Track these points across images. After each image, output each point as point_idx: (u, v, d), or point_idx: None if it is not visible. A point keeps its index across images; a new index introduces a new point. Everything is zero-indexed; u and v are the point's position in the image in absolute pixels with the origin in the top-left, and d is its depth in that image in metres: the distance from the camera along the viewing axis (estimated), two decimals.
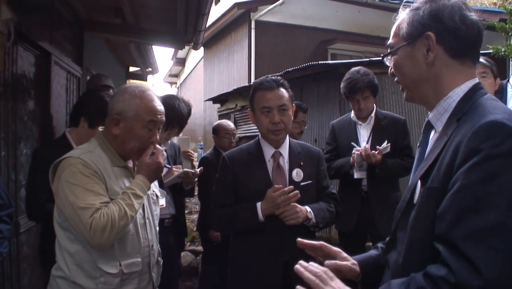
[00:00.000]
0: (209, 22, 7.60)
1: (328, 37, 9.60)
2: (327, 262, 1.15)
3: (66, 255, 1.48)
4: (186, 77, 18.70)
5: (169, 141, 2.61)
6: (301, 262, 1.04)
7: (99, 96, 2.30)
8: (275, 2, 9.07)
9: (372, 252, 1.24)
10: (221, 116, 8.46)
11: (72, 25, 3.84)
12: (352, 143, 2.71)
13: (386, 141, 2.59)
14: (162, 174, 2.34)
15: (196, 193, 3.53)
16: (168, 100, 2.42)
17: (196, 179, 2.70)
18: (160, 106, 1.62)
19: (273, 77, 1.97)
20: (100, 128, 1.75)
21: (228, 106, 8.18)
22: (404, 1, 1.15)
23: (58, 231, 1.51)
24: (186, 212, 5.08)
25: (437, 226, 0.86)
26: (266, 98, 1.88)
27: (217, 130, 3.67)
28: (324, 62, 5.37)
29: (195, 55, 14.96)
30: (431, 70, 1.01)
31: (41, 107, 2.97)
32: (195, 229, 5.29)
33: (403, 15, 1.07)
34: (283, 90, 1.91)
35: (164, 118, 1.64)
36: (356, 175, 2.65)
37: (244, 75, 9.68)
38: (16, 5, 2.31)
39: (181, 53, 16.40)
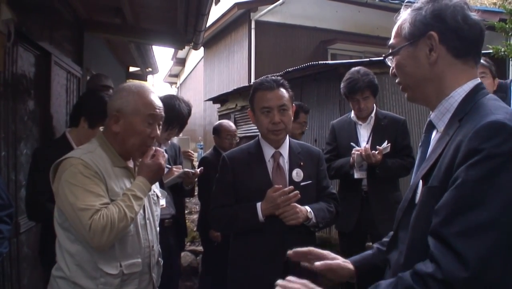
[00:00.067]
0: (209, 22, 7.59)
1: (328, 37, 9.60)
2: (317, 263, 1.15)
3: (66, 255, 1.48)
4: (186, 77, 18.70)
5: (169, 141, 2.61)
6: (279, 281, 1.03)
7: (99, 96, 2.30)
8: (275, 2, 9.08)
9: (368, 252, 1.25)
10: (221, 117, 8.46)
11: (72, 25, 3.84)
12: (351, 143, 2.71)
13: (386, 142, 2.59)
14: None
15: (196, 193, 3.52)
16: (168, 100, 2.41)
17: (196, 179, 2.70)
18: (158, 101, 1.62)
19: (273, 77, 1.97)
20: (101, 129, 1.76)
21: (228, 107, 8.18)
22: (405, 1, 1.15)
23: (59, 231, 1.51)
24: (186, 212, 5.08)
25: (432, 222, 0.87)
26: (266, 98, 1.88)
27: (219, 131, 3.64)
28: (324, 62, 5.36)
29: (195, 55, 14.96)
30: (433, 70, 1.01)
31: (41, 107, 2.97)
32: (195, 229, 5.29)
33: (404, 15, 1.07)
34: (283, 90, 1.91)
35: (163, 113, 1.64)
36: (356, 175, 2.65)
37: (244, 75, 9.68)
38: (16, 5, 2.31)
39: (181, 53, 16.40)
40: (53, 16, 3.25)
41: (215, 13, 9.91)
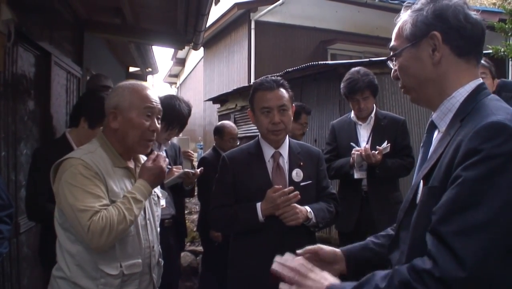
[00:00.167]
0: (209, 22, 7.60)
1: (328, 37, 9.59)
2: (298, 251, 1.17)
3: (66, 256, 1.48)
4: (186, 78, 18.70)
5: (169, 141, 2.61)
6: (277, 258, 1.06)
7: (99, 96, 2.29)
8: (275, 2, 9.08)
9: (359, 243, 1.26)
10: (221, 117, 8.46)
11: (72, 25, 3.84)
12: (351, 143, 2.71)
13: (386, 142, 2.59)
14: None
15: (196, 193, 3.52)
16: (168, 100, 2.42)
17: (196, 179, 2.70)
18: (154, 95, 1.63)
19: (273, 78, 1.97)
20: (101, 129, 1.76)
21: (228, 107, 8.18)
22: (405, 2, 1.15)
23: (59, 231, 1.51)
24: (186, 212, 5.08)
25: (432, 220, 0.87)
26: (266, 98, 1.88)
27: (222, 133, 3.59)
28: (324, 62, 5.37)
29: (195, 56, 14.95)
30: (437, 70, 1.01)
31: (41, 107, 2.97)
32: (195, 229, 5.29)
33: (404, 17, 1.06)
34: (283, 90, 1.91)
35: (160, 106, 1.65)
36: (356, 175, 2.65)
37: (244, 75, 9.67)
38: (16, 5, 2.31)
39: (181, 54, 16.39)
40: (53, 16, 3.25)
41: (215, 13, 9.91)
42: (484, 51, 1.15)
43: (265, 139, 1.96)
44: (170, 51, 21.46)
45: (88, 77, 3.95)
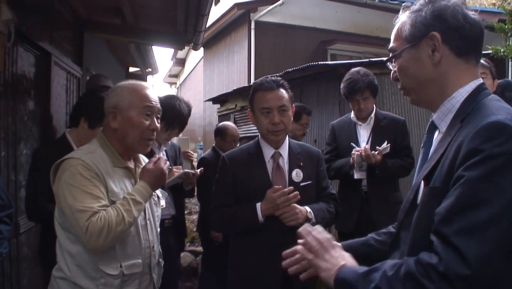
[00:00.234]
0: (209, 23, 7.59)
1: (328, 37, 9.60)
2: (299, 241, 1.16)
3: (66, 256, 1.48)
4: (186, 78, 18.70)
5: (169, 142, 2.61)
6: (306, 224, 1.10)
7: (99, 96, 2.29)
8: (275, 2, 9.08)
9: (360, 238, 1.30)
10: (220, 117, 8.46)
11: (72, 25, 3.84)
12: (351, 144, 2.71)
13: (386, 142, 2.59)
14: None
15: (195, 194, 3.52)
16: (168, 101, 2.42)
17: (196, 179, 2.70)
18: (153, 94, 1.64)
19: (273, 78, 1.97)
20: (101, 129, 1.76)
21: (228, 107, 8.18)
22: (404, 3, 1.15)
23: (59, 231, 1.51)
24: (186, 212, 5.08)
25: (435, 220, 0.88)
26: (266, 99, 1.88)
27: (225, 135, 3.58)
28: (324, 62, 5.37)
29: (195, 56, 14.96)
30: (437, 71, 1.01)
31: (41, 107, 2.97)
32: (195, 229, 5.29)
33: (403, 18, 1.06)
34: (283, 91, 1.91)
35: (159, 105, 1.65)
36: (356, 176, 2.65)
37: (243, 75, 9.68)
38: (16, 5, 2.31)
39: (181, 54, 16.40)
40: (53, 16, 3.25)
41: (215, 13, 9.91)
42: (484, 52, 1.15)
43: (265, 140, 1.96)
44: (170, 51, 21.48)
45: (88, 77, 3.95)
